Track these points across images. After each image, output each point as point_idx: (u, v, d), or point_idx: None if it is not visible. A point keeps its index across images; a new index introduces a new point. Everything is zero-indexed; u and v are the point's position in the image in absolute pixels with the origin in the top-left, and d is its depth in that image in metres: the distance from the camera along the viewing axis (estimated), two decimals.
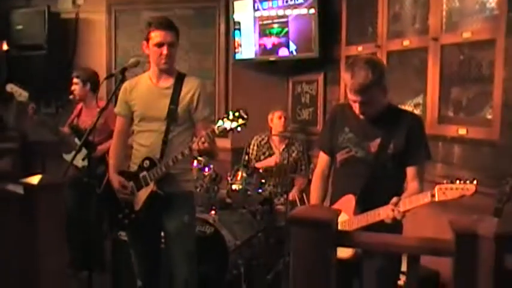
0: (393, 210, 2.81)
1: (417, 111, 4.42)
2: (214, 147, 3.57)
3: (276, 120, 5.69)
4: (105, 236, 5.07)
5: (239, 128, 3.29)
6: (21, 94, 5.07)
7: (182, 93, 3.62)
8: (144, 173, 3.61)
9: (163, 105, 3.61)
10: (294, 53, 6.07)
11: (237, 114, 3.29)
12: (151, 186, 3.58)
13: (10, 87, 5.09)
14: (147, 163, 3.61)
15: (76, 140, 5.05)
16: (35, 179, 2.57)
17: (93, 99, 5.26)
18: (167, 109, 3.59)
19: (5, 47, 7.27)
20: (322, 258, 1.95)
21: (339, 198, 3.13)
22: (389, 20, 4.72)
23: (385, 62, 4.71)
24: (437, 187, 2.71)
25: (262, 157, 5.69)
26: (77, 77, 5.31)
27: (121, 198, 3.68)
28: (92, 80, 5.31)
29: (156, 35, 3.54)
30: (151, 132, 3.65)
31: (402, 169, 3.05)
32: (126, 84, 3.75)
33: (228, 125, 3.29)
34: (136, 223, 3.71)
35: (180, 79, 3.67)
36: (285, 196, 5.12)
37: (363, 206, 2.98)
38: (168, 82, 3.66)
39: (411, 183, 3.03)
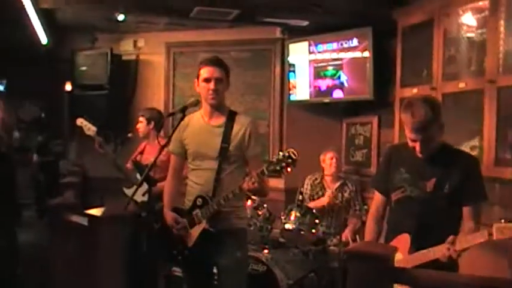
0: (449, 249, 2.78)
1: (473, 153, 4.36)
2: (265, 187, 3.58)
3: (327, 161, 5.72)
4: (160, 272, 5.13)
5: (289, 169, 3.30)
6: (89, 128, 5.27)
7: (233, 132, 3.66)
8: (197, 210, 3.65)
9: (215, 143, 3.65)
10: (348, 95, 6.13)
11: (286, 154, 3.30)
12: (204, 224, 3.62)
13: (80, 121, 5.30)
14: (199, 201, 3.65)
15: (138, 175, 5.18)
16: (98, 211, 2.67)
17: (155, 138, 5.40)
18: (219, 147, 3.64)
19: (68, 87, 7.56)
20: None
21: (393, 237, 3.12)
22: (445, 62, 4.70)
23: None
24: (495, 225, 2.67)
25: (315, 197, 5.70)
26: (142, 115, 5.50)
27: (175, 234, 3.72)
28: (156, 120, 5.48)
29: (204, 71, 3.64)
30: (204, 170, 3.70)
31: (458, 209, 3.04)
32: (181, 123, 3.80)
33: (278, 165, 3.30)
34: (190, 259, 3.75)
35: (231, 117, 3.72)
36: (338, 237, 5.11)
37: (417, 245, 2.96)
38: (220, 120, 3.71)
39: (467, 223, 3.01)
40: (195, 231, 3.66)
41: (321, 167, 5.81)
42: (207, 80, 3.63)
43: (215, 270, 3.81)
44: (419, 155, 3.03)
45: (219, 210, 3.58)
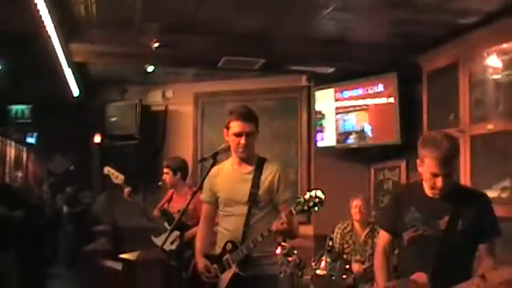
0: (482, 282, 2.67)
1: (504, 195, 4.36)
2: (294, 228, 3.55)
3: (353, 209, 5.69)
4: None
5: (316, 208, 3.29)
6: (117, 177, 5.32)
7: (263, 177, 3.65)
8: (227, 255, 3.62)
9: (245, 189, 3.64)
10: (375, 140, 6.17)
11: (313, 194, 3.29)
12: (234, 269, 3.57)
13: (107, 170, 5.36)
14: (229, 246, 3.63)
15: (166, 224, 5.21)
16: (132, 255, 2.70)
17: (183, 186, 5.45)
18: (248, 193, 3.63)
19: (97, 139, 7.70)
20: None
21: (408, 277, 3.09)
22: (472, 105, 4.74)
23: (468, 146, 4.71)
24: None
25: (345, 245, 5.63)
26: (168, 166, 5.52)
27: (206, 281, 3.69)
28: (182, 169, 5.52)
29: (235, 125, 3.60)
30: (234, 216, 3.68)
31: (472, 247, 3.02)
32: (212, 171, 3.81)
33: (305, 205, 3.29)
34: None
35: (260, 163, 3.71)
36: (370, 283, 5.06)
37: (435, 284, 2.90)
38: (249, 167, 3.71)
39: (485, 259, 2.98)
40: (226, 277, 3.62)
41: (350, 214, 5.79)
42: (237, 135, 3.60)
43: None
44: (438, 192, 2.98)
45: (249, 255, 3.54)
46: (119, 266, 2.67)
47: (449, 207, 3.01)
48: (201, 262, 3.73)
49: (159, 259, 5.13)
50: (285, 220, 3.33)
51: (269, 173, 3.65)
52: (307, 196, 3.31)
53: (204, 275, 3.67)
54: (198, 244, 3.87)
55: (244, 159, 3.70)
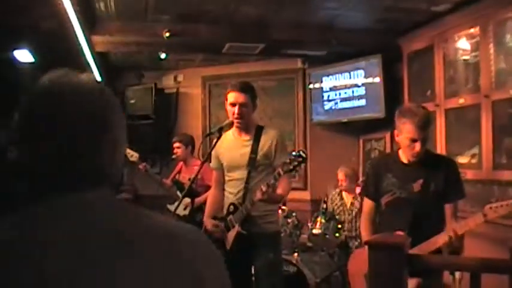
0: (450, 236, 2.82)
1: (474, 160, 4.50)
2: (274, 196, 3.52)
3: (338, 179, 5.81)
4: None
5: (300, 165, 3.31)
6: (132, 155, 5.46)
7: (261, 143, 3.64)
8: (230, 216, 3.65)
9: (245, 154, 3.65)
10: (363, 114, 6.31)
11: (297, 154, 3.31)
12: (237, 228, 3.62)
13: None
14: (231, 208, 3.66)
15: (178, 192, 5.39)
16: None
17: (192, 159, 5.62)
18: (248, 158, 3.64)
19: None
20: (397, 278, 2.05)
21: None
22: (446, 82, 4.86)
23: (443, 118, 4.85)
24: (486, 206, 2.74)
25: (335, 208, 5.76)
26: (180, 141, 5.65)
27: (214, 238, 3.66)
28: (191, 144, 5.68)
29: (230, 96, 3.64)
30: (236, 180, 3.70)
31: (442, 206, 3.11)
32: (215, 141, 3.84)
33: (291, 164, 3.29)
34: (229, 261, 3.79)
35: (259, 131, 3.71)
36: (359, 240, 5.23)
37: (412, 241, 2.90)
38: (248, 135, 3.71)
39: (449, 218, 3.10)
40: (231, 235, 3.65)
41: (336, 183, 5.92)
42: (232, 105, 3.63)
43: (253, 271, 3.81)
44: (416, 156, 3.07)
45: (249, 215, 3.57)
46: None
47: (422, 172, 3.10)
48: (209, 222, 3.77)
49: None
50: (263, 191, 3.34)
51: (267, 140, 3.65)
52: (292, 156, 3.32)
53: (213, 232, 3.68)
54: (208, 208, 3.93)
55: (243, 128, 3.71)
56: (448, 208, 3.12)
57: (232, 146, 3.77)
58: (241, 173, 3.68)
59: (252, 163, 3.63)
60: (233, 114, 3.63)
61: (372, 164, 3.68)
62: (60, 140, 0.97)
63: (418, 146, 3.03)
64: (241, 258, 3.64)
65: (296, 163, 3.28)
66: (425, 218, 3.07)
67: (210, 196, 4.02)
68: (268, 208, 3.69)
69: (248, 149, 3.67)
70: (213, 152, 3.86)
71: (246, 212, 3.56)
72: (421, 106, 3.17)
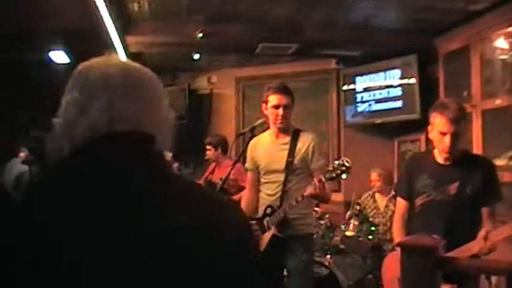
0: (485, 242, 2.72)
1: (511, 163, 4.40)
2: (325, 193, 3.55)
3: (371, 181, 5.75)
4: None
5: (344, 175, 3.33)
6: (166, 155, 5.51)
7: (298, 147, 3.65)
8: (267, 218, 3.68)
9: (282, 158, 3.66)
10: (398, 115, 6.23)
11: (341, 162, 3.34)
12: (273, 230, 3.64)
13: None
14: (269, 210, 3.69)
15: None
16: None
17: (224, 159, 5.62)
18: (285, 161, 3.66)
19: None
20: (428, 281, 2.01)
21: None
22: (482, 83, 4.77)
23: (480, 119, 4.75)
24: None
25: (369, 210, 5.72)
26: (209, 143, 5.68)
27: None
28: (222, 145, 5.68)
29: (273, 98, 3.65)
30: (273, 183, 3.73)
31: (479, 210, 3.03)
32: (251, 143, 3.88)
33: (334, 172, 3.33)
34: (262, 263, 3.80)
35: (296, 134, 3.72)
36: (392, 243, 5.16)
37: (446, 245, 2.80)
38: (286, 138, 3.72)
39: (488, 222, 2.99)
40: (266, 237, 3.66)
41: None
42: (275, 107, 3.64)
43: (285, 273, 3.82)
44: (447, 152, 3.00)
45: (285, 217, 3.59)
46: None
47: (458, 174, 3.02)
48: None
49: None
50: (317, 186, 3.36)
51: (304, 143, 3.67)
52: (335, 164, 3.35)
53: None
54: (243, 207, 3.88)
55: (282, 130, 3.73)
56: (485, 211, 3.03)
57: (270, 148, 3.79)
58: (279, 176, 3.70)
59: (290, 166, 3.65)
60: (276, 116, 3.66)
61: (406, 163, 3.59)
62: None
63: (447, 139, 2.95)
64: (274, 260, 3.66)
65: (339, 171, 3.31)
66: (461, 221, 2.99)
67: (244, 197, 4.04)
68: (304, 211, 3.71)
69: (285, 152, 3.68)
70: (248, 154, 3.89)
71: (284, 215, 3.58)
72: (455, 101, 3.10)
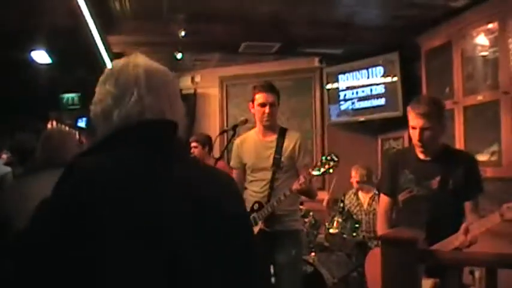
0: (466, 235, 2.75)
1: (494, 158, 4.43)
2: (312, 188, 3.67)
3: (352, 178, 5.77)
4: None
5: (331, 170, 3.40)
6: None
7: (285, 145, 3.73)
8: (254, 214, 3.73)
9: (269, 156, 3.75)
10: (381, 113, 6.25)
11: (329, 157, 3.42)
12: (260, 225, 3.69)
13: None
14: (256, 206, 3.75)
15: None
16: None
17: (209, 158, 5.61)
18: (272, 159, 3.74)
19: None
20: (410, 274, 2.00)
21: None
22: (464, 79, 4.79)
23: (462, 115, 4.78)
24: (504, 206, 2.63)
25: (352, 208, 5.72)
26: (196, 141, 5.67)
27: None
28: (209, 143, 5.68)
29: (260, 97, 3.74)
30: (261, 181, 3.79)
31: (461, 203, 3.04)
32: (237, 141, 3.94)
33: (322, 167, 3.40)
34: None
35: (282, 133, 3.80)
36: (377, 240, 5.18)
37: (429, 240, 2.81)
38: (273, 136, 3.80)
39: (470, 215, 3.00)
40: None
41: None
42: (262, 105, 3.73)
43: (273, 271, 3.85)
44: (420, 156, 3.06)
45: (274, 213, 3.65)
46: None
47: (439, 169, 3.04)
48: None
49: None
50: (303, 181, 3.43)
51: (290, 141, 3.75)
52: (323, 159, 3.43)
53: None
54: None
55: (268, 128, 3.81)
56: (467, 205, 3.05)
57: (257, 147, 3.86)
58: (266, 174, 3.77)
59: (277, 164, 3.73)
60: (262, 114, 3.75)
61: (388, 159, 3.62)
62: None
63: (417, 134, 3.00)
64: (263, 254, 3.63)
65: (327, 166, 3.39)
66: (444, 216, 3.01)
67: None
68: (291, 208, 3.80)
69: (272, 150, 3.76)
70: (234, 152, 3.96)
71: (272, 210, 3.64)
72: (432, 98, 3.15)
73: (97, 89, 1.43)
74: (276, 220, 3.70)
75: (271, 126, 3.80)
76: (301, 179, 3.45)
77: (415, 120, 3.00)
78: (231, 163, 4.03)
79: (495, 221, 2.71)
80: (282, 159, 3.71)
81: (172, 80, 1.48)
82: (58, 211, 1.19)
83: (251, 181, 3.87)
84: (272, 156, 3.74)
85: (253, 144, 3.87)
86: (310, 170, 3.45)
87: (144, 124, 1.36)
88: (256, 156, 3.82)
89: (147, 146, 1.34)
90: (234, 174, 3.98)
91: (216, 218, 1.34)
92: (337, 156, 3.41)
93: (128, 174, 1.26)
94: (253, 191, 3.82)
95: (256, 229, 3.69)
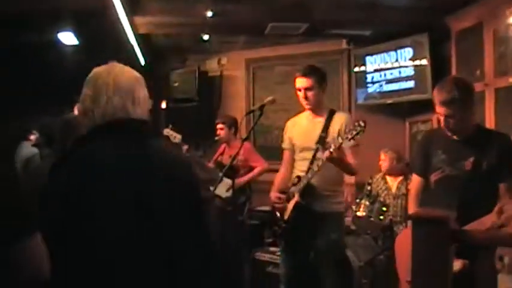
0: (499, 216, 2.72)
1: None
2: (344, 159, 3.55)
3: (380, 161, 5.70)
4: (245, 258, 5.28)
5: (359, 134, 3.35)
6: (175, 137, 5.51)
7: (332, 124, 3.78)
8: (292, 188, 3.82)
9: (316, 135, 3.80)
10: (410, 95, 6.14)
11: (356, 123, 3.37)
12: (296, 197, 3.75)
13: (166, 131, 5.57)
14: (295, 180, 3.83)
15: (220, 174, 5.38)
16: None
17: (235, 140, 5.61)
18: (318, 137, 3.77)
19: (163, 105, 7.91)
20: (441, 253, 1.95)
21: None
22: (495, 60, 4.68)
23: (493, 98, 4.67)
24: None
25: (380, 191, 5.67)
26: (223, 122, 5.68)
27: (276, 209, 3.89)
28: (235, 125, 5.67)
29: (297, 82, 3.82)
30: (306, 160, 3.83)
31: (495, 186, 2.97)
32: (288, 123, 4.07)
33: (350, 133, 3.35)
34: (287, 232, 3.85)
35: (331, 114, 3.85)
36: (405, 224, 5.12)
37: (460, 221, 2.88)
38: (321, 117, 3.86)
39: (505, 196, 2.94)
40: (290, 205, 3.80)
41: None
42: (299, 90, 3.81)
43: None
44: (453, 137, 2.99)
45: (314, 188, 3.69)
46: None
47: (473, 149, 2.99)
48: (273, 195, 3.93)
49: (216, 206, 5.34)
50: (333, 148, 3.39)
51: (337, 122, 3.78)
52: (351, 126, 3.42)
53: (275, 203, 3.88)
54: (276, 184, 4.06)
55: (314, 111, 3.87)
56: (502, 187, 2.98)
57: (306, 126, 3.94)
58: (312, 153, 3.80)
59: (322, 143, 3.72)
60: (301, 98, 3.82)
61: (421, 139, 3.56)
62: None
63: (443, 122, 2.98)
64: (300, 234, 3.79)
65: (354, 132, 3.35)
66: (476, 197, 2.93)
67: (278, 174, 4.14)
68: (334, 188, 3.84)
69: (319, 129, 3.81)
70: (285, 132, 4.07)
71: (307, 182, 3.68)
72: (458, 80, 3.06)
73: (82, 91, 1.83)
74: (317, 198, 3.73)
75: (314, 109, 3.86)
76: (330, 146, 3.43)
77: (438, 108, 2.98)
78: (282, 144, 4.11)
79: None
80: (328, 138, 3.70)
81: (140, 84, 1.88)
82: (58, 192, 1.65)
83: (298, 161, 3.94)
84: (318, 135, 3.78)
85: (302, 125, 3.97)
86: (339, 138, 3.41)
87: (117, 122, 1.78)
88: (304, 137, 3.90)
89: (120, 137, 1.77)
90: (284, 154, 4.08)
91: (170, 182, 1.78)
92: (364, 122, 3.37)
93: (109, 159, 1.71)
94: (300, 171, 3.87)
95: (293, 202, 3.76)
